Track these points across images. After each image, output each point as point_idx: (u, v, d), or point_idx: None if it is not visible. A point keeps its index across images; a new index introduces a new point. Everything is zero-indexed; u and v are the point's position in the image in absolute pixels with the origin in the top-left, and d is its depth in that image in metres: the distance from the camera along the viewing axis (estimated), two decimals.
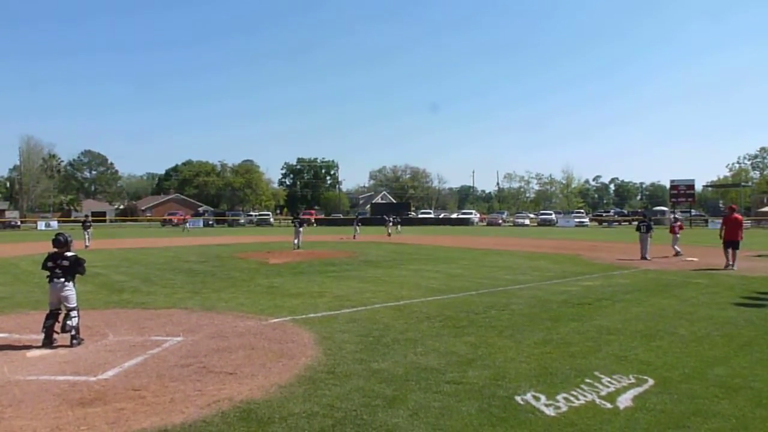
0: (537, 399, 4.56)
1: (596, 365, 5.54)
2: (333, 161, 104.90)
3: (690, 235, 30.46)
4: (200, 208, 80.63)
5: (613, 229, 49.09)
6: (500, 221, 63.97)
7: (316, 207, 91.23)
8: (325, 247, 25.00)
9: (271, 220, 66.81)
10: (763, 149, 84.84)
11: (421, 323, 7.67)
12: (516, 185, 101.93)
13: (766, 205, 65.29)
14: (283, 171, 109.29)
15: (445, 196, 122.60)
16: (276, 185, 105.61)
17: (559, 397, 4.59)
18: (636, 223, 22.15)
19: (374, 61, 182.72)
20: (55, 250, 6.68)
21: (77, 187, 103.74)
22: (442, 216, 74.20)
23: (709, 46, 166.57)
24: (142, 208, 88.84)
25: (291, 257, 18.86)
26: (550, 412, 4.29)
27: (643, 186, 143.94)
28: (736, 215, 15.66)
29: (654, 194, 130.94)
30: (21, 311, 8.78)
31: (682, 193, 54.75)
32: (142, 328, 7.42)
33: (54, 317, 6.48)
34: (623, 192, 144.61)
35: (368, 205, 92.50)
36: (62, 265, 6.54)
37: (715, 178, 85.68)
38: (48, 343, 6.37)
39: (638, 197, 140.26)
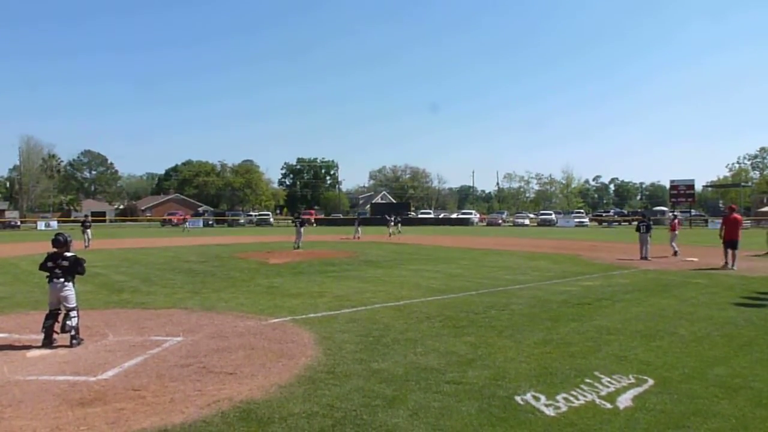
0: (537, 399, 4.56)
1: (596, 365, 5.54)
2: (333, 161, 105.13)
3: (690, 235, 30.50)
4: (200, 208, 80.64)
5: (613, 229, 49.09)
6: (500, 221, 63.95)
7: (316, 207, 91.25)
8: (325, 247, 25.00)
9: (271, 220, 66.76)
10: (763, 149, 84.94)
11: (421, 323, 7.67)
12: (516, 185, 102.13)
13: (766, 205, 65.30)
14: (283, 171, 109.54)
15: (445, 196, 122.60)
16: (276, 185, 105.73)
17: (559, 397, 4.59)
18: (636, 223, 22.16)
19: (374, 61, 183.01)
20: (55, 250, 6.67)
21: (77, 187, 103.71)
22: (441, 216, 74.19)
23: (709, 46, 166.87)
24: (142, 208, 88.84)
25: (291, 257, 18.86)
26: (550, 412, 4.29)
27: (643, 186, 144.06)
28: (736, 215, 15.69)
29: (654, 194, 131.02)
30: (21, 311, 8.77)
31: (682, 193, 54.81)
32: (142, 328, 7.42)
33: (54, 317, 6.48)
34: (623, 192, 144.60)
35: (368, 205, 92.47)
36: (62, 265, 6.54)
37: (715, 178, 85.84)
38: (48, 343, 6.37)
39: (638, 197, 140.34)
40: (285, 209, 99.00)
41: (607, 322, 7.67)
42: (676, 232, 19.75)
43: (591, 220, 65.35)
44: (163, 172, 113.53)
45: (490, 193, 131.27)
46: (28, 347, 6.35)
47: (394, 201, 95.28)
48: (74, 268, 6.60)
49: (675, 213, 31.49)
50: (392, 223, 35.76)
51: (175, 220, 59.23)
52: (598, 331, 7.14)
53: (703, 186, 79.40)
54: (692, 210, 62.02)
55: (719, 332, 7.07)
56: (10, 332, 7.16)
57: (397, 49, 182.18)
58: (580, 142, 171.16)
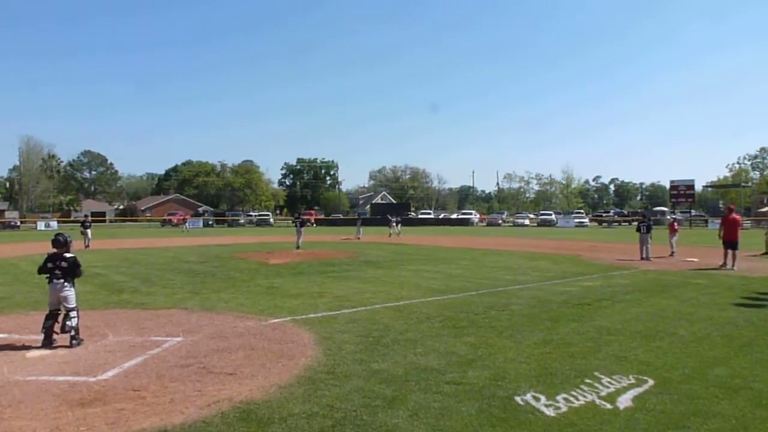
0: (537, 399, 4.55)
1: (596, 366, 5.54)
2: (333, 161, 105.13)
3: (690, 236, 30.51)
4: (200, 209, 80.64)
5: (613, 230, 49.09)
6: (500, 221, 63.98)
7: (316, 207, 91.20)
8: (325, 247, 25.00)
9: (271, 220, 66.74)
10: (763, 149, 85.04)
11: (421, 323, 7.67)
12: (516, 185, 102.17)
13: (766, 206, 65.27)
14: (283, 171, 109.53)
15: (444, 197, 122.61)
16: (276, 185, 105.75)
17: (559, 398, 4.59)
18: (636, 223, 22.18)
19: (374, 61, 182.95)
20: (55, 250, 6.67)
21: (77, 187, 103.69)
22: (441, 216, 74.18)
23: (709, 46, 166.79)
24: (142, 208, 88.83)
25: (291, 257, 18.86)
26: (550, 412, 4.29)
27: (643, 186, 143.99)
28: (734, 216, 15.70)
29: (654, 194, 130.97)
30: (21, 311, 8.77)
31: (682, 193, 54.79)
32: (142, 329, 7.41)
33: (53, 318, 6.48)
34: (623, 192, 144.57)
35: (368, 206, 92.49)
36: (61, 266, 6.54)
37: (715, 179, 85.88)
38: (48, 343, 6.36)
39: (638, 197, 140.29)
40: (285, 209, 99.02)
41: (607, 323, 7.67)
42: (677, 232, 19.82)
43: (591, 220, 65.35)
44: (163, 172, 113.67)
45: (490, 193, 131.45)
46: (28, 347, 6.35)
47: (394, 201, 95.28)
48: (73, 270, 6.60)
49: (674, 216, 31.59)
50: (394, 224, 35.69)
51: (175, 221, 59.21)
52: (598, 331, 7.14)
53: (703, 186, 79.43)
54: (692, 210, 62.04)
55: (719, 333, 7.07)
56: (10, 332, 7.16)
57: (397, 49, 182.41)
58: (580, 142, 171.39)
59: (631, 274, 13.74)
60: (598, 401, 4.53)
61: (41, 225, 54.68)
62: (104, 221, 69.19)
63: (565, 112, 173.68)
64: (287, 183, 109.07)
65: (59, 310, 6.52)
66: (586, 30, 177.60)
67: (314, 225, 59.84)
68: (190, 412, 4.30)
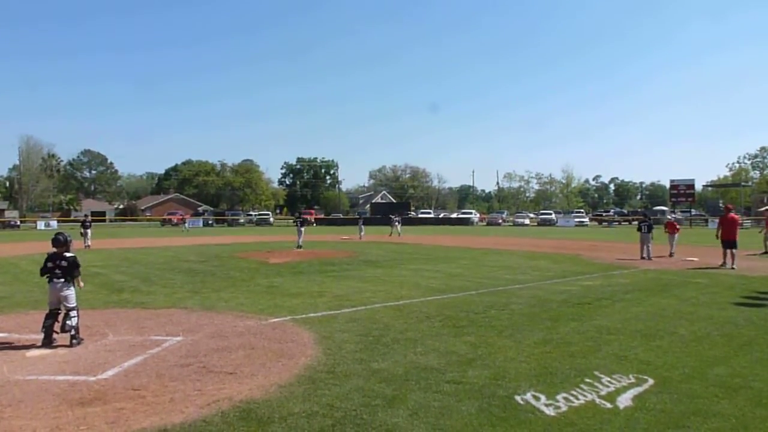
0: (537, 399, 4.55)
1: (596, 365, 5.54)
2: (333, 161, 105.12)
3: (690, 235, 30.49)
4: (200, 208, 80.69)
5: (613, 229, 49.09)
6: (500, 221, 63.93)
7: (316, 207, 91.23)
8: (326, 246, 25.00)
9: (271, 219, 66.75)
10: (763, 149, 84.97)
11: (421, 323, 7.66)
12: (516, 185, 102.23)
13: (766, 205, 65.27)
14: (283, 171, 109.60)
15: (445, 196, 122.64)
16: (276, 185, 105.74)
17: (559, 397, 4.59)
18: (636, 223, 22.19)
19: (374, 61, 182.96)
20: (55, 250, 6.67)
21: (77, 186, 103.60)
22: (441, 216, 74.17)
23: (709, 46, 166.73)
24: (142, 207, 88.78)
25: (291, 257, 18.86)
26: (550, 411, 4.29)
27: (643, 186, 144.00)
28: (732, 215, 15.71)
29: (654, 194, 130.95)
30: (21, 311, 8.77)
31: (682, 192, 54.76)
32: (142, 328, 7.41)
33: (53, 317, 6.48)
34: (623, 192, 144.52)
35: (368, 205, 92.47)
36: (61, 265, 6.54)
37: (715, 178, 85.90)
38: (47, 342, 6.36)
39: (638, 197, 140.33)
40: (285, 209, 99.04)
41: (607, 322, 7.67)
42: (678, 232, 19.83)
43: (591, 219, 65.35)
44: (163, 171, 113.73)
45: (490, 192, 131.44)
46: (28, 347, 6.35)
47: (394, 201, 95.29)
48: (72, 269, 6.60)
49: (674, 215, 31.65)
50: (396, 224, 35.62)
51: (175, 220, 59.23)
52: (598, 330, 7.14)
53: (704, 186, 79.42)
54: (692, 210, 62.03)
55: (719, 332, 7.07)
56: (10, 332, 7.16)
57: (397, 49, 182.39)
58: (580, 142, 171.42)
59: (631, 274, 13.74)
60: (598, 400, 4.53)
61: (41, 224, 54.67)
62: (104, 221, 69.20)
63: (565, 112, 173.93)
64: (287, 182, 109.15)
65: (59, 309, 6.52)
66: (586, 30, 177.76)
67: (314, 224, 59.81)
68: (190, 411, 4.30)
